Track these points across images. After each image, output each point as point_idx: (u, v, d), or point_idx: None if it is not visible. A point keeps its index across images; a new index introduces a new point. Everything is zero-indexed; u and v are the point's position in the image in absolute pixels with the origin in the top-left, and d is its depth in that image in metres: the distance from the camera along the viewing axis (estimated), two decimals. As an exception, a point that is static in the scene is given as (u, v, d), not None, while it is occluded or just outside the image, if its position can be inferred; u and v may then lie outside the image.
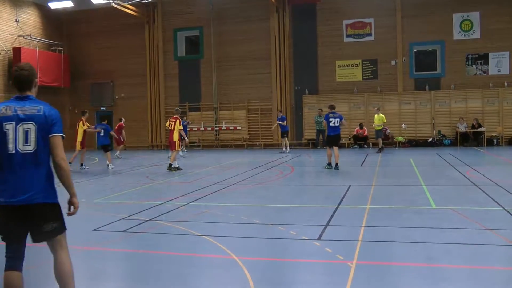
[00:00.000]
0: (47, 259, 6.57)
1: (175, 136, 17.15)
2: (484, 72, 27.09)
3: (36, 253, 7.00)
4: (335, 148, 16.45)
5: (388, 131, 27.14)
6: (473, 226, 7.91)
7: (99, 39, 32.17)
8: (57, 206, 4.38)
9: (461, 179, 13.58)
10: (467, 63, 27.29)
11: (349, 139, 28.01)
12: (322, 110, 25.58)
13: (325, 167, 16.72)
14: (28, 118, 4.26)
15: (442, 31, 27.36)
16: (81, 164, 18.97)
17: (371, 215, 8.92)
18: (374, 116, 24.63)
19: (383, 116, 24.18)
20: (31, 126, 4.25)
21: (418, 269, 5.82)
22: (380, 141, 24.08)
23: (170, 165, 17.29)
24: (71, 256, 4.52)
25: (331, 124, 16.51)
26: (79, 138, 19.17)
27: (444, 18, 27.32)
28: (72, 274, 4.45)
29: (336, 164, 16.38)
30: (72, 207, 4.43)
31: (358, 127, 27.64)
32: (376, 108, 24.99)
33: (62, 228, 4.43)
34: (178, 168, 17.35)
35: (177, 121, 17.24)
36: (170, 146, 17.49)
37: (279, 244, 7.21)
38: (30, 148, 4.24)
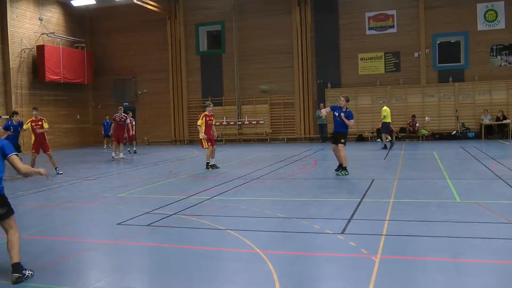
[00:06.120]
0: (74, 252, 6.71)
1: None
2: (509, 63, 26.68)
3: (64, 247, 7.16)
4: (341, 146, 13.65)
5: (417, 124, 27.01)
6: (499, 220, 7.83)
7: (121, 35, 32.44)
8: (2, 197, 5.74)
9: (486, 172, 13.42)
10: (491, 54, 26.90)
11: (372, 133, 27.84)
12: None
13: (340, 173, 13.61)
14: None
15: (466, 21, 26.99)
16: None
17: (395, 209, 8.88)
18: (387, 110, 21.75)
19: (387, 108, 21.64)
20: None
21: (442, 264, 5.78)
22: (383, 136, 21.65)
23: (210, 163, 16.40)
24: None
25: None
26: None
27: (468, 9, 26.95)
28: (18, 244, 5.72)
29: (340, 166, 13.81)
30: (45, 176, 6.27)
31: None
32: (381, 102, 23.23)
33: (10, 212, 5.81)
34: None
35: None
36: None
37: (303, 238, 7.23)
38: None
